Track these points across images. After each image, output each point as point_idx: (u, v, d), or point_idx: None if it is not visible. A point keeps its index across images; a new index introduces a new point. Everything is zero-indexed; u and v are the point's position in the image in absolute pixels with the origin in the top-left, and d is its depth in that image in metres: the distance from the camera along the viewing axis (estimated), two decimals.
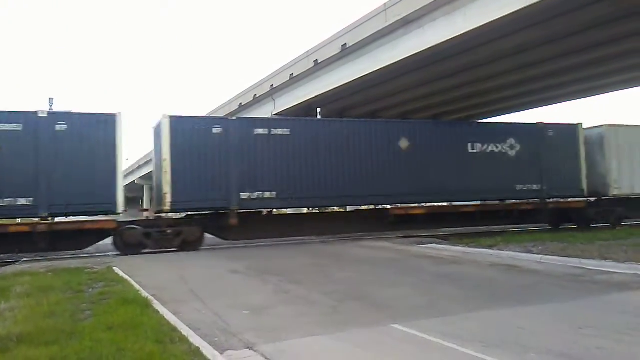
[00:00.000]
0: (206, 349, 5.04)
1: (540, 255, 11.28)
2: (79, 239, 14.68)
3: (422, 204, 18.67)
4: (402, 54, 22.15)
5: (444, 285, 8.60)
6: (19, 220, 15.40)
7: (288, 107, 31.85)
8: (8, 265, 13.08)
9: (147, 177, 50.78)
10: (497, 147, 18.82)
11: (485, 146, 18.70)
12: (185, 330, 5.71)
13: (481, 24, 18.48)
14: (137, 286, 8.65)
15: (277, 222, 17.74)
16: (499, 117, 36.17)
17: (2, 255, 14.47)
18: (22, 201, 13.73)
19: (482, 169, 18.45)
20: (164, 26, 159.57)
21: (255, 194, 15.79)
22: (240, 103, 38.72)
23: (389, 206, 18.32)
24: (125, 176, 36.63)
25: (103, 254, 14.79)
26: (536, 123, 20.40)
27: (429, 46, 20.81)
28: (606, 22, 19.55)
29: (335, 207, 20.92)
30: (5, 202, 13.58)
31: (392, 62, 22.86)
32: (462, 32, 19.28)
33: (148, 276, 10.00)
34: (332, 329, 5.88)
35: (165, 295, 7.96)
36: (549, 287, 8.25)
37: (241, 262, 11.90)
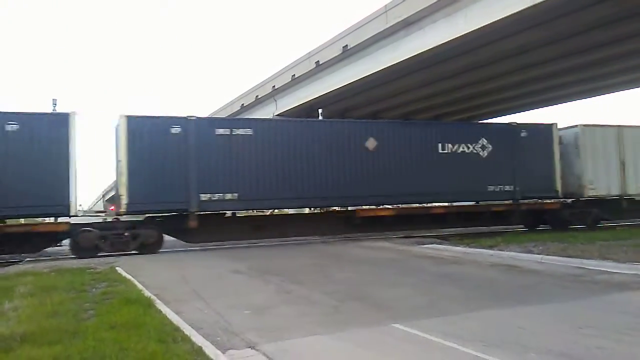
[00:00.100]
0: (208, 348, 5.08)
1: (541, 256, 11.29)
2: (31, 242, 14.22)
3: (391, 206, 18.41)
4: (403, 55, 22.20)
5: (444, 285, 8.62)
6: None
7: (290, 108, 31.92)
8: (11, 265, 13.11)
9: None
10: (468, 148, 18.39)
11: (456, 146, 18.26)
12: (187, 330, 5.74)
13: (483, 24, 18.51)
14: (139, 286, 8.69)
15: (241, 224, 17.35)
16: (501, 117, 36.18)
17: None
18: None
19: (453, 170, 18.02)
20: (166, 27, 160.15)
21: (216, 196, 15.37)
22: (242, 104, 38.81)
23: (355, 208, 17.92)
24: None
25: (105, 254, 14.81)
26: (509, 123, 20.09)
27: (430, 47, 20.85)
28: (609, 23, 19.54)
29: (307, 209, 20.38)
30: None
31: (393, 63, 22.91)
32: (463, 33, 19.32)
33: (150, 276, 10.04)
34: (333, 329, 5.91)
35: (168, 295, 8.00)
36: (550, 287, 8.27)
37: (242, 262, 11.93)
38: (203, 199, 15.22)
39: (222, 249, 15.69)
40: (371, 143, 17.28)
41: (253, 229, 17.05)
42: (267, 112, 34.65)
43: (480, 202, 19.34)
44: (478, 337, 5.39)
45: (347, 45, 25.06)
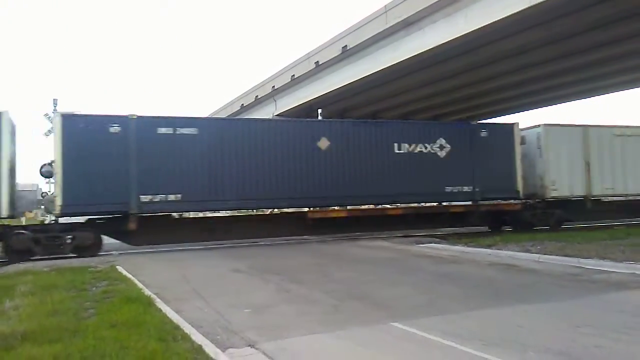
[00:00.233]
0: (208, 346, 5.10)
1: (539, 255, 11.33)
2: None
3: (344, 207, 17.83)
4: (403, 55, 22.25)
5: (443, 284, 8.64)
6: None
7: (289, 108, 32.00)
8: (10, 264, 13.12)
9: None
10: (426, 148, 17.86)
11: (413, 146, 17.73)
12: (187, 328, 5.77)
13: (483, 24, 18.56)
14: (140, 285, 8.71)
15: (187, 226, 16.87)
16: (500, 117, 36.27)
17: None
18: None
19: (409, 170, 17.58)
20: (166, 27, 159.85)
21: (158, 197, 14.80)
22: (242, 104, 38.88)
23: (306, 209, 17.39)
24: None
25: (106, 253, 14.85)
26: (468, 122, 19.53)
27: (429, 47, 20.91)
28: (608, 23, 19.61)
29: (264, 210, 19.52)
30: None
31: (392, 63, 22.96)
32: (463, 33, 19.37)
33: (151, 275, 10.06)
34: (333, 328, 5.93)
35: (168, 294, 8.03)
36: (548, 286, 8.30)
37: (242, 261, 11.96)
38: (144, 200, 14.68)
39: (222, 249, 15.71)
40: (323, 143, 16.76)
41: (203, 231, 16.42)
42: (267, 112, 34.72)
43: (439, 203, 18.82)
44: (477, 335, 5.42)
45: (346, 45, 25.11)
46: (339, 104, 30.52)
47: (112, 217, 15.01)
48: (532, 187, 19.31)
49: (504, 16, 17.73)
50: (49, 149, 14.74)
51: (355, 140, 17.28)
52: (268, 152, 16.21)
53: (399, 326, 5.88)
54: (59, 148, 14.10)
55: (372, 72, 24.35)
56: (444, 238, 16.47)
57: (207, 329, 5.91)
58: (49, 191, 15.52)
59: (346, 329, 5.87)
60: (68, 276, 9.79)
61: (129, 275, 9.84)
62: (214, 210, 17.87)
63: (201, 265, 11.93)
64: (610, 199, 21.02)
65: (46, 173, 14.98)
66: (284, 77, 32.03)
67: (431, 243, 14.91)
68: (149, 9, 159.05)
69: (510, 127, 19.41)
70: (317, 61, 27.71)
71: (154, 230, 15.38)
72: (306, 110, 30.34)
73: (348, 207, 17.98)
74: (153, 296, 7.59)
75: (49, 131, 21.56)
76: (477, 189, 18.24)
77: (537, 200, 19.63)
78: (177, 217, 16.59)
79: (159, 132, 15.07)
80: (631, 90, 31.65)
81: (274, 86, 33.35)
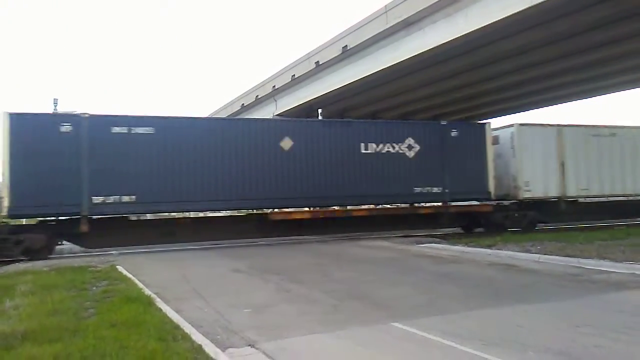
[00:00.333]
0: (208, 346, 5.11)
1: (539, 255, 11.33)
2: None
3: (308, 208, 17.54)
4: (403, 55, 22.25)
5: (443, 284, 8.65)
6: None
7: (289, 107, 32.01)
8: (10, 264, 13.14)
9: None
10: (394, 148, 17.43)
11: (381, 146, 17.33)
12: (187, 328, 5.78)
13: (483, 24, 18.57)
14: (140, 284, 8.72)
15: (146, 228, 16.35)
16: (500, 117, 36.31)
17: None
18: None
19: (376, 171, 17.19)
20: (166, 27, 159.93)
21: (111, 198, 14.34)
22: (243, 104, 38.89)
23: (267, 210, 16.96)
24: None
25: (106, 253, 14.86)
26: (438, 122, 19.15)
27: (430, 47, 20.91)
28: (608, 23, 19.61)
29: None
30: None
31: (393, 63, 22.97)
32: (463, 33, 19.37)
33: (151, 275, 10.08)
34: (332, 327, 5.94)
35: (168, 294, 8.04)
36: (548, 286, 8.31)
37: (242, 261, 11.97)
38: (96, 201, 14.24)
39: (221, 248, 15.71)
40: (287, 143, 16.37)
41: (162, 233, 15.90)
42: (267, 112, 34.74)
43: (407, 205, 18.35)
44: (477, 335, 5.42)
45: (347, 45, 25.12)
46: (339, 103, 30.53)
47: (66, 219, 14.56)
48: (506, 188, 18.90)
49: (504, 16, 17.73)
50: None
51: (320, 140, 16.90)
52: (229, 152, 15.77)
53: (399, 326, 5.88)
54: (7, 148, 13.72)
55: (372, 72, 24.36)
56: (444, 238, 16.50)
57: (207, 329, 5.92)
58: None
59: (346, 329, 5.87)
60: (68, 276, 9.81)
61: (129, 275, 9.85)
62: (171, 212, 17.31)
63: (201, 265, 11.95)
64: (587, 200, 20.62)
65: None
66: (284, 77, 32.04)
67: (431, 243, 14.93)
68: (149, 9, 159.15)
69: (482, 126, 19.01)
70: (318, 61, 27.71)
71: (108, 232, 14.97)
72: (306, 110, 30.35)
73: (312, 209, 17.66)
74: (153, 296, 7.60)
75: None
76: (447, 190, 17.85)
77: (510, 201, 19.24)
78: (135, 219, 16.10)
79: (113, 131, 14.62)
80: (632, 90, 31.66)
81: (274, 86, 33.36)
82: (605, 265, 9.76)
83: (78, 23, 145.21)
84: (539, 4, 16.56)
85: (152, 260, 12.80)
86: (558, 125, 19.73)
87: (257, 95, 36.19)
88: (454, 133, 18.25)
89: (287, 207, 17.23)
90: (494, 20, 18.12)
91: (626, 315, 6.25)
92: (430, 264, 11.06)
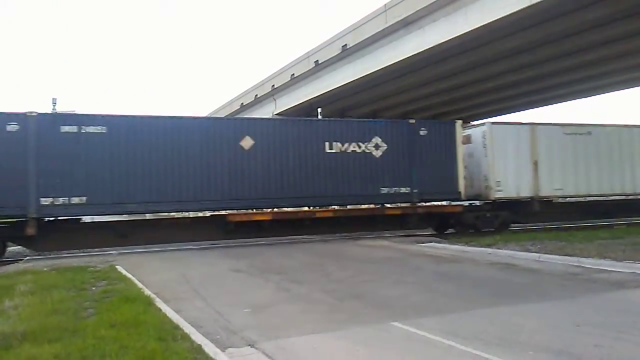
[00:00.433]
0: (208, 346, 5.10)
1: (539, 254, 11.33)
2: None
3: (269, 210, 17.14)
4: (403, 54, 22.28)
5: (443, 283, 8.65)
6: None
7: (289, 107, 32.02)
8: (10, 264, 13.13)
9: None
10: (359, 147, 16.93)
11: (346, 146, 16.81)
12: (187, 328, 5.77)
13: (482, 24, 18.61)
14: (139, 284, 8.71)
15: (97, 231, 15.69)
16: (500, 117, 36.32)
17: None
18: None
19: (342, 171, 16.72)
20: (165, 27, 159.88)
21: (60, 200, 13.84)
22: (242, 103, 38.90)
23: (225, 212, 16.44)
24: None
25: (106, 253, 14.85)
26: (406, 120, 18.75)
27: (429, 46, 20.95)
28: (605, 23, 19.67)
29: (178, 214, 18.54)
30: None
31: (392, 62, 22.99)
32: (462, 32, 19.41)
33: (150, 274, 10.06)
34: (332, 327, 5.93)
35: (168, 294, 8.03)
36: (548, 285, 8.30)
37: (242, 261, 11.96)
38: (44, 203, 13.72)
39: (221, 248, 15.71)
40: (247, 142, 15.84)
41: (115, 236, 15.40)
42: (267, 111, 34.74)
43: (374, 205, 18.00)
44: (477, 335, 5.42)
45: (346, 44, 25.14)
46: (338, 103, 30.54)
47: (14, 221, 14.12)
48: (478, 188, 18.48)
49: (503, 15, 17.77)
50: None
51: (282, 140, 16.37)
52: (186, 151, 15.26)
53: (399, 326, 5.87)
54: None
55: (371, 71, 24.38)
56: (444, 238, 16.50)
57: (207, 329, 5.91)
58: None
59: (346, 329, 5.86)
60: (68, 276, 9.80)
61: (129, 275, 9.85)
62: (123, 214, 16.87)
63: (201, 264, 11.93)
64: (563, 199, 20.26)
65: None
66: (283, 76, 32.05)
67: (431, 242, 14.94)
68: (149, 9, 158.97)
69: (452, 125, 18.47)
70: (317, 60, 27.73)
71: (58, 235, 14.66)
72: (306, 109, 30.36)
73: (273, 210, 17.30)
74: (152, 296, 7.59)
75: None
76: (415, 190, 17.34)
77: (482, 201, 18.79)
78: (88, 221, 15.64)
79: (62, 130, 14.12)
80: (629, 89, 31.72)
81: (273, 85, 33.36)
82: (606, 265, 9.75)
83: (78, 23, 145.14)
84: (538, 3, 16.60)
85: (152, 260, 12.80)
86: (531, 123, 19.30)
87: (257, 95, 36.20)
88: (423, 132, 17.74)
89: (249, 209, 16.60)
90: (494, 19, 18.15)
91: (627, 315, 6.25)
92: (430, 264, 11.05)
